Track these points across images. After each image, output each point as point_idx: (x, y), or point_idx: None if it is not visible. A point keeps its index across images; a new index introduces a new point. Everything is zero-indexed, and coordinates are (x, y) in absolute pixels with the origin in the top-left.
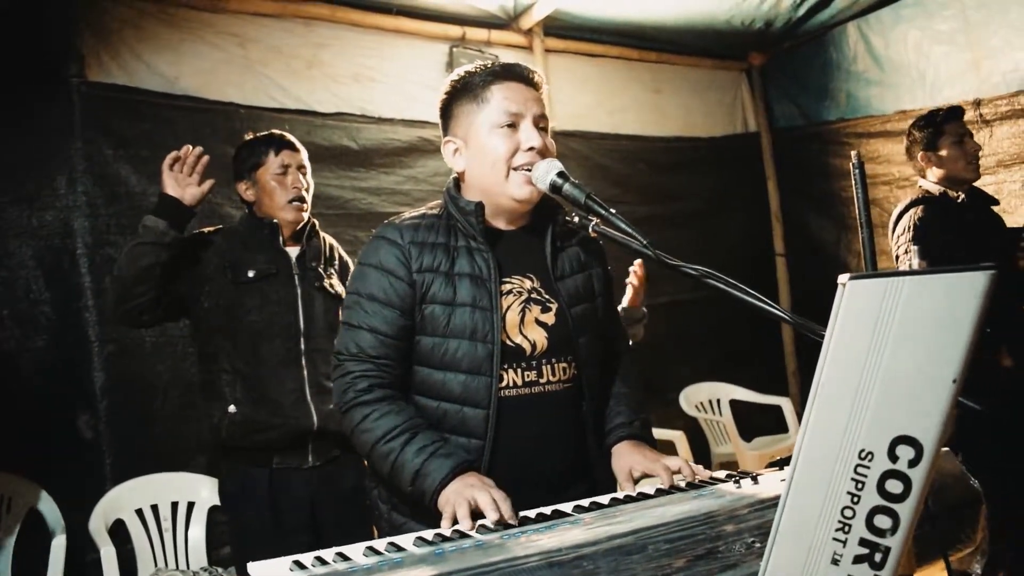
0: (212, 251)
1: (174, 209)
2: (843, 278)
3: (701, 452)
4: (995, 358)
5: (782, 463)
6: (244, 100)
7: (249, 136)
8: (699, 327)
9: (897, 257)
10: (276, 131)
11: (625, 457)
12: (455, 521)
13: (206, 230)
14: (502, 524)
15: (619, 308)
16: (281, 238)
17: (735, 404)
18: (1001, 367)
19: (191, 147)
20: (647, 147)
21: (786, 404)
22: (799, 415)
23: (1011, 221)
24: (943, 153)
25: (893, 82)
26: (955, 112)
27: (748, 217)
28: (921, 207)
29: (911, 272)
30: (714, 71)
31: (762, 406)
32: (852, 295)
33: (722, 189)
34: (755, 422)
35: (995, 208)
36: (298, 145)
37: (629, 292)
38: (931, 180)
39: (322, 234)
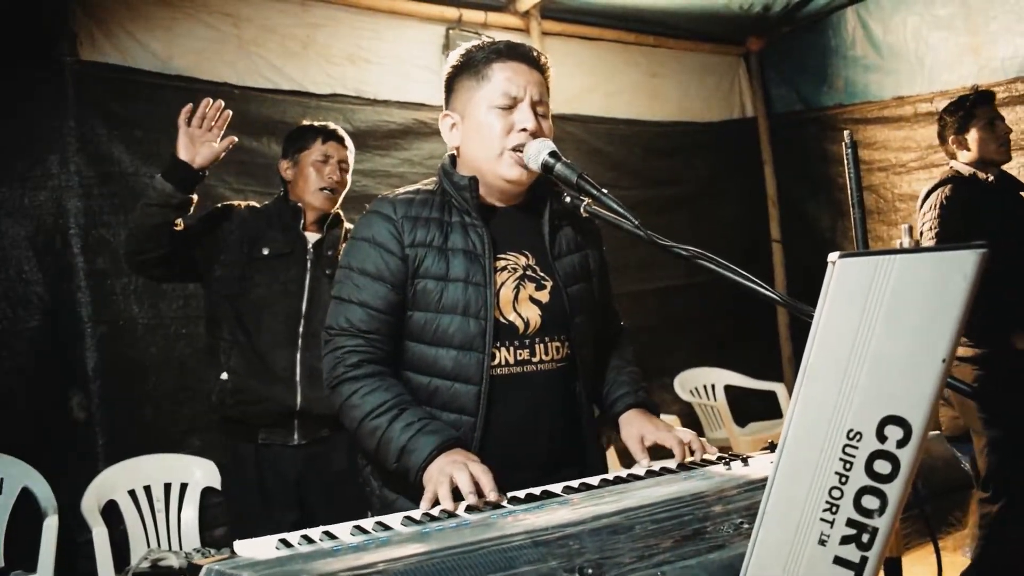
0: (236, 223)
1: (183, 172)
2: (833, 256)
3: None
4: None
5: (774, 446)
6: (238, 80)
7: (306, 122)
8: (694, 312)
9: (922, 234)
10: (332, 124)
11: (635, 425)
12: (436, 500)
13: (236, 203)
14: (484, 503)
15: None
16: (303, 222)
17: (730, 389)
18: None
19: (211, 100)
20: (643, 131)
21: (780, 390)
22: None
23: None
24: (974, 136)
25: (891, 68)
26: (985, 96)
27: (744, 203)
28: (949, 186)
29: (902, 250)
30: (711, 55)
31: (757, 392)
32: (842, 273)
33: (718, 174)
34: (749, 408)
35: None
36: (348, 143)
37: None
38: (962, 162)
39: (346, 225)
